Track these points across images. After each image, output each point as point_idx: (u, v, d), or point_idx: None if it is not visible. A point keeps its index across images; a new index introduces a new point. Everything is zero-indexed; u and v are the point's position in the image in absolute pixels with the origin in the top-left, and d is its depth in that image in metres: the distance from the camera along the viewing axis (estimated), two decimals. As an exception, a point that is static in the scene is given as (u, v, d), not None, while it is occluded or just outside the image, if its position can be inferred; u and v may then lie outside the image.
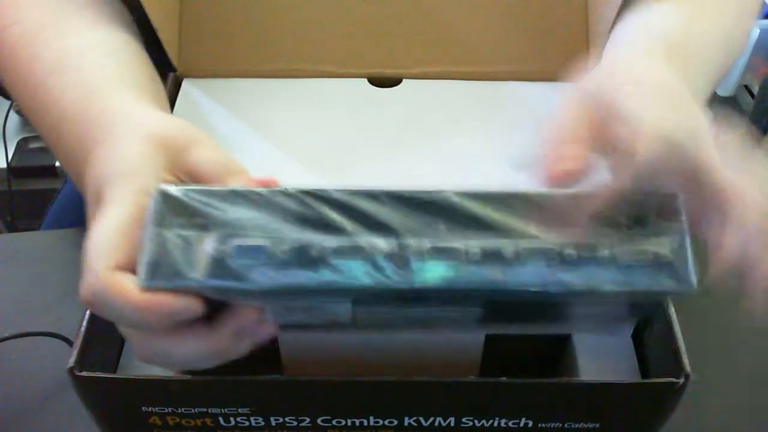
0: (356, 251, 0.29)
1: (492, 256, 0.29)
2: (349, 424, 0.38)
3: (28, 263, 0.57)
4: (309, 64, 0.52)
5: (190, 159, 0.33)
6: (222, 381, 0.35)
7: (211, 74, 0.52)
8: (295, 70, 0.52)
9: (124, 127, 0.35)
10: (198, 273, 0.29)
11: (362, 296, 0.30)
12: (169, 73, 0.52)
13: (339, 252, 0.29)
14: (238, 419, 0.37)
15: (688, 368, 0.35)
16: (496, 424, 0.38)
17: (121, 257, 0.29)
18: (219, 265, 0.29)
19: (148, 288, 0.29)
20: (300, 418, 0.37)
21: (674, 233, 0.30)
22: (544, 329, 0.37)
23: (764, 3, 1.33)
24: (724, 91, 1.47)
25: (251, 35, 0.52)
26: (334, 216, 0.29)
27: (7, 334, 0.49)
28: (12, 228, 1.27)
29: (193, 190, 0.30)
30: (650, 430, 0.38)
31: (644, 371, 0.40)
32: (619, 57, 0.40)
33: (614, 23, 0.47)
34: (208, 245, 0.29)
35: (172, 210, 0.29)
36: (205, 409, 0.37)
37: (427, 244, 0.29)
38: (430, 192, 0.30)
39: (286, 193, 0.29)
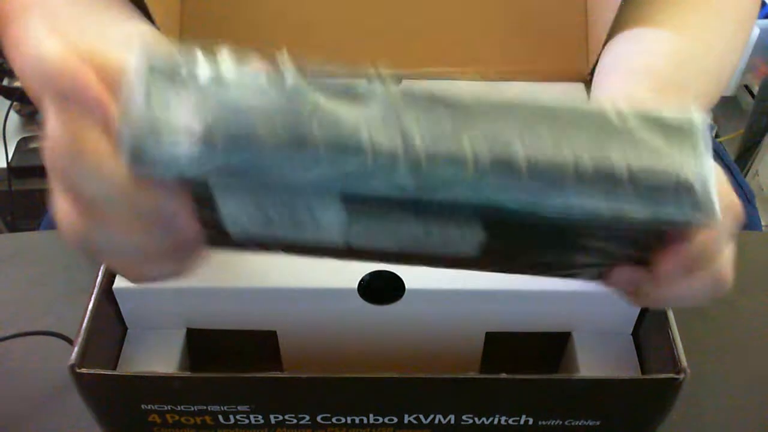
0: (357, 154, 0.25)
1: (502, 166, 0.26)
2: (349, 421, 0.38)
3: (28, 263, 0.57)
4: (309, 63, 0.52)
5: None
6: (222, 378, 0.35)
7: (211, 74, 0.52)
8: (295, 69, 0.52)
9: None
10: (186, 163, 0.25)
11: (354, 193, 0.26)
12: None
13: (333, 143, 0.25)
14: (238, 417, 0.37)
15: (684, 363, 0.35)
16: (496, 421, 0.38)
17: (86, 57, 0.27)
18: (211, 155, 0.25)
19: (133, 164, 0.25)
20: (300, 415, 0.37)
21: (694, 150, 0.27)
22: (548, 268, 0.34)
23: (764, 3, 1.34)
24: (724, 91, 1.47)
25: (251, 35, 0.52)
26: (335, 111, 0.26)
27: (7, 334, 0.49)
28: (12, 228, 1.27)
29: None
30: (650, 427, 0.38)
31: (643, 369, 0.40)
32: (614, 95, 0.41)
33: (606, 41, 0.47)
34: (202, 137, 0.25)
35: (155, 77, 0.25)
36: (205, 407, 0.37)
37: (434, 147, 0.26)
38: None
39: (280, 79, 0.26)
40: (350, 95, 0.26)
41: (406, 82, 0.53)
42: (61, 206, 0.29)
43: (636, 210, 0.27)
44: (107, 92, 0.27)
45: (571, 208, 0.27)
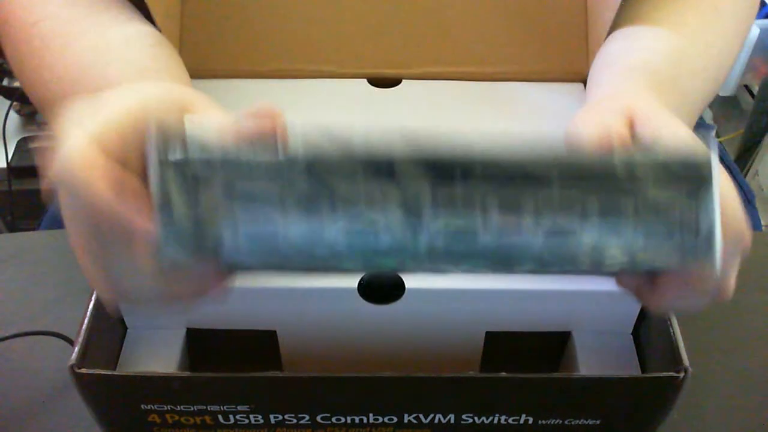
0: (366, 223, 0.28)
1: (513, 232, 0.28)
2: (349, 421, 0.38)
3: (28, 263, 0.57)
4: (309, 64, 0.52)
5: (204, 113, 0.33)
6: (221, 378, 0.35)
7: (211, 74, 0.52)
8: (295, 70, 0.52)
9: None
10: (211, 247, 0.28)
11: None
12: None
13: (350, 225, 0.28)
14: (238, 417, 0.37)
15: (686, 362, 0.35)
16: (496, 420, 0.38)
17: (106, 142, 0.28)
18: (232, 240, 0.28)
19: (162, 257, 0.28)
20: (299, 415, 0.37)
21: (701, 199, 0.28)
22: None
23: (764, 3, 1.34)
24: (724, 91, 1.47)
25: (251, 35, 0.52)
26: (342, 185, 0.28)
27: (7, 334, 0.49)
28: (12, 228, 1.27)
29: (199, 148, 0.28)
30: (650, 426, 0.38)
31: (644, 368, 0.40)
32: (611, 92, 0.41)
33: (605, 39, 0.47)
34: (219, 222, 0.28)
35: (176, 175, 0.28)
36: (205, 407, 0.37)
37: (441, 213, 0.28)
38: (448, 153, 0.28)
39: (292, 161, 0.28)
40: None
41: (406, 83, 0.53)
42: (85, 265, 0.31)
43: (640, 256, 0.28)
44: (128, 200, 0.28)
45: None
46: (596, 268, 0.29)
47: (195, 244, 0.28)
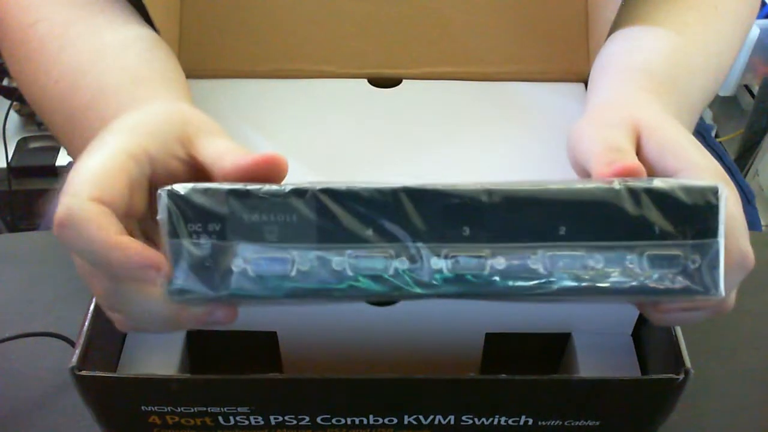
0: (375, 261, 0.28)
1: (519, 269, 0.29)
2: (349, 422, 0.38)
3: (28, 263, 0.57)
4: (309, 64, 0.52)
5: (204, 143, 0.33)
6: (221, 380, 0.35)
7: (211, 75, 0.52)
8: (295, 70, 0.52)
9: (156, 101, 0.36)
10: (222, 285, 0.29)
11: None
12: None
13: (358, 263, 0.29)
14: (238, 418, 0.37)
15: (688, 364, 0.35)
16: (496, 422, 0.38)
17: (107, 195, 0.29)
18: (242, 277, 0.29)
19: (174, 296, 0.29)
20: (299, 416, 0.37)
21: (707, 227, 0.29)
22: None
23: (764, 3, 1.33)
24: (724, 91, 1.47)
25: (251, 35, 0.52)
26: (351, 221, 0.29)
27: (7, 334, 0.49)
28: (12, 228, 1.27)
29: (204, 190, 0.29)
30: (650, 427, 0.38)
31: (644, 369, 0.40)
32: (612, 98, 0.41)
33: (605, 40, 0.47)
34: (229, 261, 0.29)
35: (184, 213, 0.28)
36: (205, 408, 0.37)
37: (448, 252, 0.29)
38: (454, 191, 0.29)
39: (299, 193, 0.29)
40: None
41: (406, 83, 0.53)
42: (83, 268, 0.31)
43: (643, 287, 0.29)
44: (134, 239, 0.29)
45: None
46: (596, 296, 0.29)
47: (204, 277, 0.28)
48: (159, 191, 0.28)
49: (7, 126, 1.29)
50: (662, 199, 0.28)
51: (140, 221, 0.32)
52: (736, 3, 0.50)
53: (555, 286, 0.28)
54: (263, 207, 0.28)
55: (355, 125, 0.48)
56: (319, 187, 0.28)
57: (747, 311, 0.54)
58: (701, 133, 0.77)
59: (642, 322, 0.41)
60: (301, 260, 0.29)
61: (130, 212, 0.30)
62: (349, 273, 0.28)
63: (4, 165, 1.30)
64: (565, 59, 0.52)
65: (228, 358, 0.42)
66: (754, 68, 1.37)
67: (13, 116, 1.38)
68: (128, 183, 0.30)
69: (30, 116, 1.39)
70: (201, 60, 0.52)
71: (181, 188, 0.28)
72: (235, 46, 0.52)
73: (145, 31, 0.44)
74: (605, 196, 0.28)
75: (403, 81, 0.52)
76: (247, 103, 0.50)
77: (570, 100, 0.50)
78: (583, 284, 0.28)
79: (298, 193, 0.28)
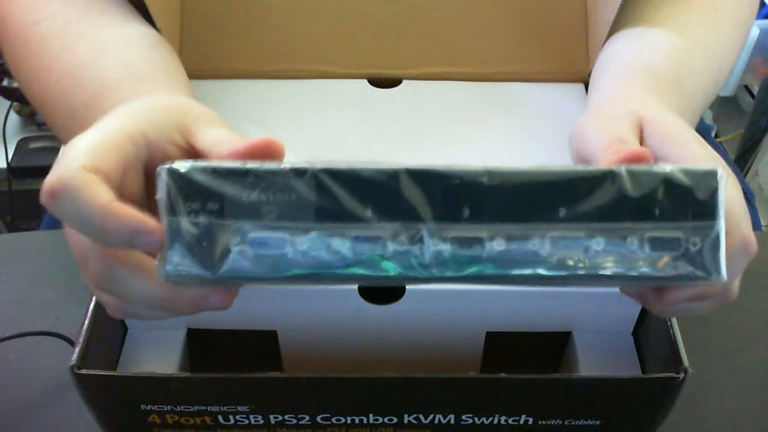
0: (374, 242, 0.28)
1: (519, 251, 0.28)
2: (349, 421, 0.38)
3: (28, 263, 0.57)
4: (309, 64, 0.52)
5: (202, 131, 0.33)
6: (221, 379, 0.35)
7: (211, 75, 0.52)
8: (295, 70, 0.52)
9: (157, 95, 0.36)
10: (219, 265, 0.28)
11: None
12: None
13: (357, 244, 0.28)
14: (238, 417, 0.37)
15: (686, 363, 0.35)
16: (496, 421, 0.38)
17: (100, 165, 0.28)
18: (240, 257, 0.28)
19: (169, 277, 0.28)
20: (299, 415, 0.37)
21: (707, 211, 0.29)
22: None
23: (764, 3, 1.33)
24: (724, 91, 1.47)
25: (251, 36, 0.52)
26: (351, 202, 0.28)
27: (7, 334, 0.49)
28: (12, 228, 1.27)
29: (204, 169, 0.28)
30: (650, 426, 0.38)
31: (644, 368, 0.40)
32: (615, 96, 0.41)
33: (605, 42, 0.47)
34: (227, 240, 0.28)
35: (183, 191, 0.28)
36: (205, 407, 0.37)
37: (449, 233, 0.28)
38: (455, 171, 0.29)
39: (299, 173, 0.28)
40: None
41: (406, 83, 0.53)
42: (80, 246, 0.31)
43: (644, 271, 0.28)
44: (131, 207, 0.28)
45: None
46: (598, 279, 0.29)
47: (201, 257, 0.28)
48: (158, 169, 0.28)
49: (7, 126, 1.30)
50: (663, 181, 0.28)
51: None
52: (735, 5, 0.50)
53: (555, 270, 0.28)
54: (262, 186, 0.28)
55: (355, 125, 0.48)
56: (319, 166, 0.28)
57: (747, 311, 0.54)
58: (701, 133, 0.77)
59: (642, 321, 0.41)
60: (300, 240, 0.28)
61: (123, 192, 0.30)
62: (348, 254, 0.28)
63: (4, 165, 1.30)
64: (565, 59, 0.52)
65: (228, 357, 0.42)
66: (754, 68, 1.37)
67: (13, 116, 1.38)
68: (122, 160, 0.30)
69: (30, 116, 1.40)
70: (201, 61, 0.52)
71: (182, 166, 0.28)
72: (236, 47, 0.52)
73: (146, 30, 0.44)
74: (606, 178, 0.28)
75: (403, 81, 0.52)
76: (248, 103, 0.50)
77: (570, 100, 0.50)
78: (584, 268, 0.28)
79: (298, 172, 0.28)
